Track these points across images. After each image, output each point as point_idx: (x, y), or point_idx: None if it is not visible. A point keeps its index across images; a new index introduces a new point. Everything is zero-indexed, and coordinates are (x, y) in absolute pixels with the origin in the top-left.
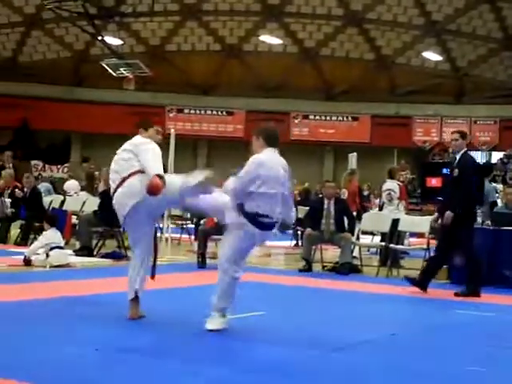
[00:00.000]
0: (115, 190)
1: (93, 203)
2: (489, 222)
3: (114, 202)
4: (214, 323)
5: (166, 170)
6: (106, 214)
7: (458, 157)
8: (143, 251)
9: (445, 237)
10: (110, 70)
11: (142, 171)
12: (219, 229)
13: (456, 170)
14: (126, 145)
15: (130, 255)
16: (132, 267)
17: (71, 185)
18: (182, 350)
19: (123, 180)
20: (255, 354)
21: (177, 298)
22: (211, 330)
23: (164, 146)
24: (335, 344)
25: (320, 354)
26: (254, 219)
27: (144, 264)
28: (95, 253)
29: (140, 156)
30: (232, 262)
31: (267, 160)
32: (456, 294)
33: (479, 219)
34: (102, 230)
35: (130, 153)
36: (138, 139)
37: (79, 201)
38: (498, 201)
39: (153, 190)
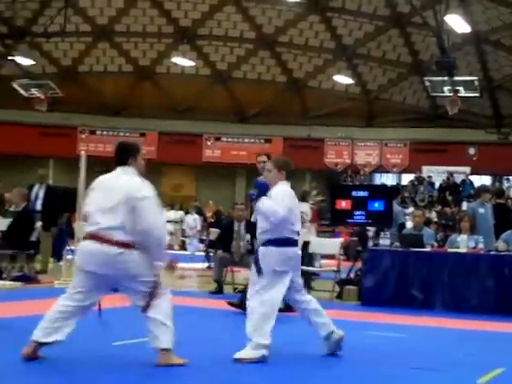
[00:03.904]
0: None
1: (1, 224)
2: (397, 244)
3: None
4: None
5: (76, 193)
6: (16, 236)
7: None
8: None
9: None
10: (22, 91)
11: None
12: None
13: None
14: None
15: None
16: None
17: None
18: None
19: None
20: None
21: None
22: None
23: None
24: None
25: None
26: None
27: None
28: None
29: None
30: None
31: None
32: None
33: (388, 241)
34: (11, 253)
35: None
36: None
37: None
38: (408, 223)
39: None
